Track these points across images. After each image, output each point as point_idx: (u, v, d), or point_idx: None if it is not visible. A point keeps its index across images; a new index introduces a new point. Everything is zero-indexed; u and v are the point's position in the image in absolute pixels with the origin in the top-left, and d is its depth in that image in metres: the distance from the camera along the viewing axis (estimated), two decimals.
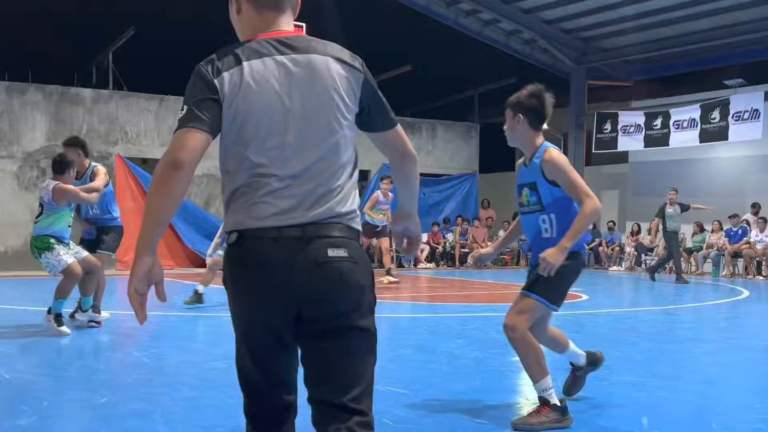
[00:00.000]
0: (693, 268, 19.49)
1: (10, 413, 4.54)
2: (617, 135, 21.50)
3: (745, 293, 14.04)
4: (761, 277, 18.15)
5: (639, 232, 21.11)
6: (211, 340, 7.78)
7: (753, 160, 19.67)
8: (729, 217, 18.96)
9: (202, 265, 18.02)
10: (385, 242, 15.10)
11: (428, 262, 21.33)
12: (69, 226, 7.89)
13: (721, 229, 19.19)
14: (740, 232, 18.80)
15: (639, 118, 21.01)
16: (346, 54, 2.46)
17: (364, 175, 24.31)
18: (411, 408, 4.73)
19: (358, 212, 2.44)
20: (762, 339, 8.15)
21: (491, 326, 8.90)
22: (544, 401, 4.40)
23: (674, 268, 16.81)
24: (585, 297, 12.54)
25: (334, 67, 2.40)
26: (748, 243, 18.41)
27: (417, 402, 4.92)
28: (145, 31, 19.49)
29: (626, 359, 6.70)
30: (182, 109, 2.31)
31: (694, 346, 7.68)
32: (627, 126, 21.27)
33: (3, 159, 17.82)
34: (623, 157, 22.73)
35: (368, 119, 2.50)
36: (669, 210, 16.52)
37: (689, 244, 19.90)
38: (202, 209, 19.63)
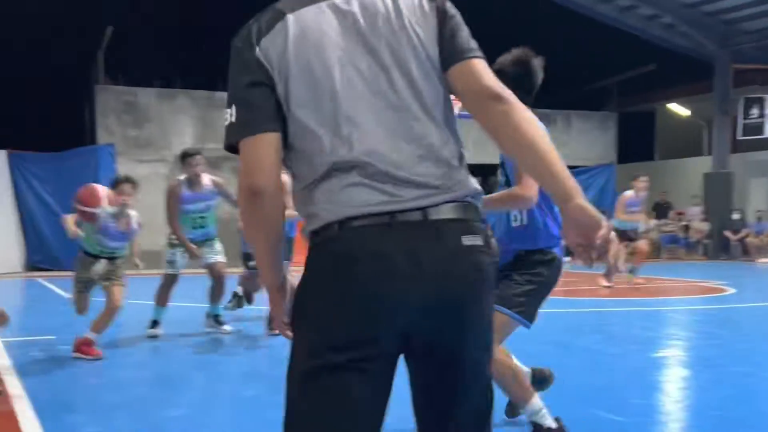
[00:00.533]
0: None
1: (168, 404, 4.88)
2: (765, 120, 20.53)
3: None
4: None
5: None
6: None
7: None
8: None
9: None
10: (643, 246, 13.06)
11: (565, 255, 21.01)
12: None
13: None
14: None
15: None
16: None
17: (494, 170, 24.17)
18: (548, 403, 4.72)
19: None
20: None
21: (631, 321, 8.74)
22: (537, 427, 3.85)
23: None
24: (731, 290, 12.08)
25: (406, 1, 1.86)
26: None
27: (554, 397, 4.91)
28: None
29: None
30: (228, 109, 1.81)
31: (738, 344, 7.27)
32: None
33: (156, 162, 18.74)
34: None
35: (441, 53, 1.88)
36: None
37: None
38: None
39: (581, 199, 1.79)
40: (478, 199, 1.87)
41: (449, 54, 1.86)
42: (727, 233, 20.80)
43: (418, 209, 1.73)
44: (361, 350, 1.71)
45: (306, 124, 1.78)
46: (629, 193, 12.49)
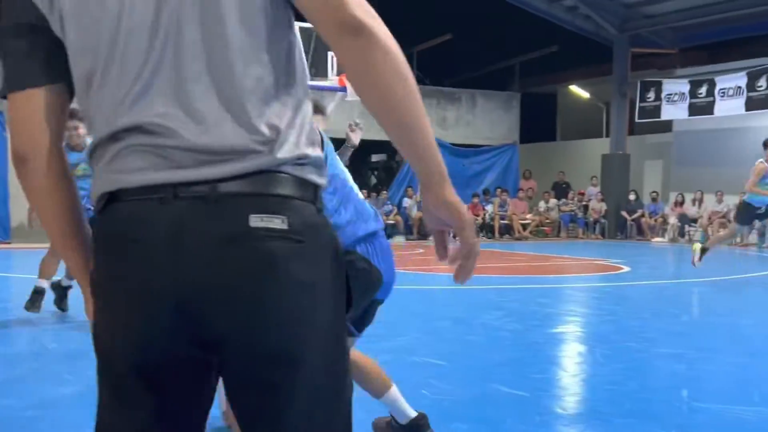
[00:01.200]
0: (738, 240, 19.16)
1: (60, 381, 4.66)
2: (661, 104, 21.14)
3: None
4: None
5: (683, 202, 20.79)
6: None
7: None
8: None
9: None
10: None
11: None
12: None
13: None
14: None
15: (683, 87, 20.62)
16: None
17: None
18: (448, 380, 4.73)
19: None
20: None
21: (530, 298, 8.87)
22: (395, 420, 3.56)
23: None
24: (626, 269, 12.43)
25: None
26: None
27: (454, 374, 4.92)
28: None
29: (667, 331, 6.64)
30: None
31: (737, 318, 7.57)
32: (671, 94, 20.90)
33: None
34: (667, 126, 22.35)
35: None
36: None
37: (732, 215, 19.55)
38: None
39: (447, 190, 1.41)
40: (305, 170, 1.37)
41: None
42: (624, 213, 21.43)
43: (203, 182, 1.29)
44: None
45: (80, 76, 1.39)
46: (764, 164, 10.31)
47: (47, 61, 1.40)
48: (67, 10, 1.36)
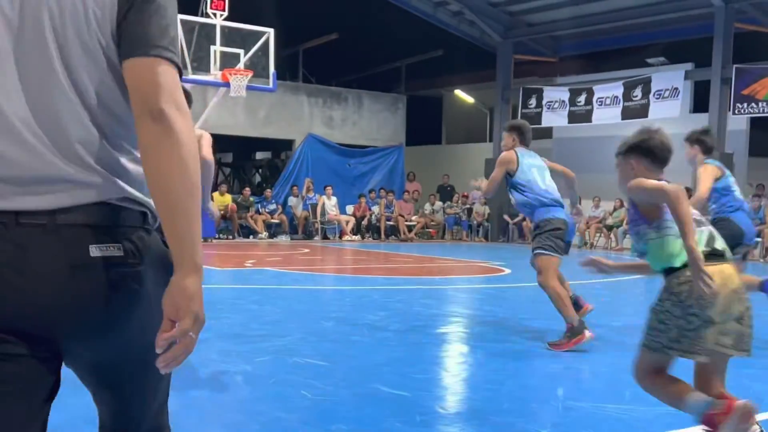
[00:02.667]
0: (613, 244, 19.90)
1: None
2: (542, 110, 21.70)
3: None
4: None
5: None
6: None
7: (672, 138, 20.01)
8: None
9: None
10: None
11: (353, 234, 21.29)
12: None
13: None
14: None
15: (563, 94, 21.25)
16: None
17: (287, 145, 24.11)
18: (329, 380, 4.69)
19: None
20: None
21: (414, 299, 8.93)
22: None
23: None
24: (508, 271, 12.70)
25: None
26: None
27: (336, 374, 4.88)
28: None
29: (546, 331, 6.78)
30: None
31: (610, 319, 7.82)
32: (552, 102, 21.49)
33: None
34: (548, 132, 22.98)
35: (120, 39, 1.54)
36: None
37: (609, 220, 20.28)
38: None
39: (193, 277, 1.51)
40: (133, 202, 1.57)
41: (130, 42, 1.52)
42: (506, 217, 21.91)
43: (42, 212, 1.46)
44: None
45: None
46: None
47: None
48: None
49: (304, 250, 16.63)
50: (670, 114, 19.00)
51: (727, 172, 6.76)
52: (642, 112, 19.48)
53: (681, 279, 3.08)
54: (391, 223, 21.64)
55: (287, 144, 24.00)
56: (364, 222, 21.81)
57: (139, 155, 1.54)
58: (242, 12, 16.13)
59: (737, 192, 6.66)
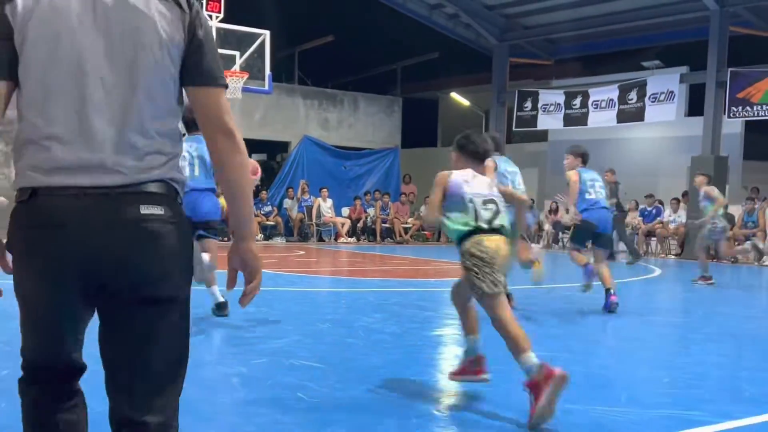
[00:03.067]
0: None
1: None
2: (537, 113, 21.73)
3: (657, 272, 14.42)
4: (672, 256, 18.68)
5: (557, 210, 21.44)
6: None
7: (667, 141, 20.15)
8: (645, 197, 19.41)
9: None
10: None
11: (349, 236, 21.29)
12: None
13: (637, 208, 19.64)
14: (654, 211, 19.27)
15: (559, 97, 21.28)
16: None
17: (283, 147, 24.10)
18: (325, 382, 4.68)
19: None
20: (670, 316, 8.38)
21: (410, 301, 8.93)
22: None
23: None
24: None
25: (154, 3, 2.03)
26: (661, 223, 18.91)
27: (332, 376, 4.88)
28: None
29: (542, 334, 6.78)
30: None
31: (606, 322, 7.84)
32: (547, 104, 21.52)
33: None
34: (543, 135, 23.02)
35: (185, 70, 2.09)
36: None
37: None
38: None
39: (253, 243, 2.18)
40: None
41: (194, 72, 2.08)
42: None
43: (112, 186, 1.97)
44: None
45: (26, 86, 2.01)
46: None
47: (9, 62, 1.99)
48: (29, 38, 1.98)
49: (299, 252, 16.61)
50: (666, 117, 19.06)
51: (584, 176, 8.75)
52: (637, 115, 19.53)
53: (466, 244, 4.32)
54: (386, 225, 21.64)
55: (283, 146, 24.00)
56: (360, 224, 21.81)
57: (173, 149, 2.08)
58: (238, 14, 16.13)
59: (586, 195, 8.54)
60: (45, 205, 1.94)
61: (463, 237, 4.34)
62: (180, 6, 2.05)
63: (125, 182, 1.96)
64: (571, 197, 8.45)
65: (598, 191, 8.62)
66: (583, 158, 8.99)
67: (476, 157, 4.63)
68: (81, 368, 2.18)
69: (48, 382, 2.11)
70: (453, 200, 4.38)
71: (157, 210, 1.98)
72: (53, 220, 1.92)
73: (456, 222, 4.36)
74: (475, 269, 4.25)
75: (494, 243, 4.29)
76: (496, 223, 4.35)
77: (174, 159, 2.08)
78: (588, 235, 8.48)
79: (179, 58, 2.04)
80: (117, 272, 1.96)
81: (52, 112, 1.95)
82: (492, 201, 4.40)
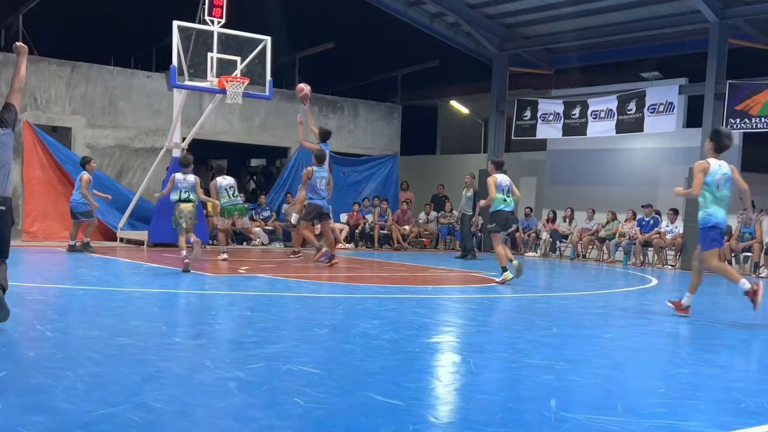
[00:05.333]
0: (605, 256, 19.94)
1: None
2: (536, 123, 21.76)
3: (654, 281, 14.44)
4: (669, 267, 18.69)
5: (554, 219, 21.47)
6: (118, 315, 7.58)
7: (666, 152, 20.19)
8: (642, 206, 19.43)
9: (113, 237, 17.60)
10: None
11: (347, 242, 21.29)
12: None
13: (634, 218, 19.66)
14: (652, 222, 19.30)
15: (558, 107, 21.32)
16: None
17: (283, 152, 24.12)
18: (322, 388, 4.69)
19: None
20: (667, 325, 8.38)
21: (407, 308, 8.94)
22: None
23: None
24: (499, 280, 12.68)
25: None
26: (659, 233, 18.93)
27: (329, 382, 4.88)
28: None
29: (538, 343, 6.80)
30: None
31: (602, 331, 7.85)
32: (546, 114, 21.55)
33: None
34: (542, 144, 23.05)
35: None
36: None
37: (602, 232, 20.31)
38: (114, 181, 19.12)
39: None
40: None
41: None
42: None
43: None
44: None
45: None
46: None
47: None
48: None
49: (297, 257, 16.59)
50: (665, 128, 19.10)
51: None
52: (636, 126, 19.57)
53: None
54: (384, 231, 21.64)
55: (282, 151, 24.02)
56: (358, 230, 21.81)
57: None
58: (239, 20, 16.16)
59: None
60: None
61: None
62: None
63: None
64: None
65: None
66: None
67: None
68: None
69: None
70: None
71: None
72: None
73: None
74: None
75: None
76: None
77: None
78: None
79: None
80: None
81: None
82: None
